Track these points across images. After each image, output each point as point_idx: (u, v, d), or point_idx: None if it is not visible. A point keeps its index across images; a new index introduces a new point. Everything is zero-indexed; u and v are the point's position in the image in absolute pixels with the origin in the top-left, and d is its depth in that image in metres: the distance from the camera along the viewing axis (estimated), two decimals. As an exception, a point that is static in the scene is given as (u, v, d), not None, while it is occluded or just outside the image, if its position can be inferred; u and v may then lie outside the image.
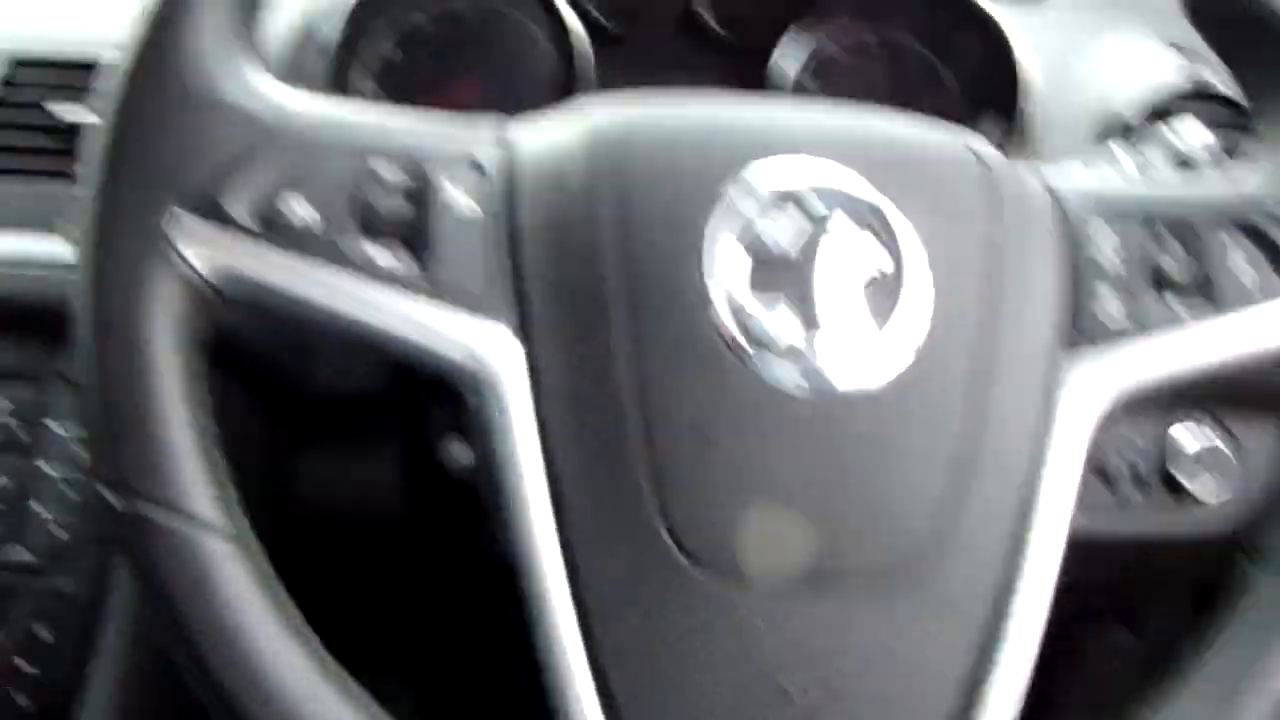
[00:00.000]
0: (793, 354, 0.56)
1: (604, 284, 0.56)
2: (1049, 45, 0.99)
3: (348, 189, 0.57)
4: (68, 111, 0.90)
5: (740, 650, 0.55)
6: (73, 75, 0.92)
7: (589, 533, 0.56)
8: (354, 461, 0.90)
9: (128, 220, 0.55)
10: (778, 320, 0.56)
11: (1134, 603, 1.10)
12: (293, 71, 0.92)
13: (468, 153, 0.59)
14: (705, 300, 0.56)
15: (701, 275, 0.56)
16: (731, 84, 0.99)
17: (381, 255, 0.57)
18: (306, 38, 0.93)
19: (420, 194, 0.57)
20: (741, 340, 0.56)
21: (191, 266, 0.55)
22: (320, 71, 0.91)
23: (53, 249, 0.87)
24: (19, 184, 0.89)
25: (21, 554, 0.86)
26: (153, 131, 0.56)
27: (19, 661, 0.86)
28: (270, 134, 0.56)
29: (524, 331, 0.57)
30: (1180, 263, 0.62)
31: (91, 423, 0.55)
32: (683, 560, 0.55)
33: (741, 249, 0.57)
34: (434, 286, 0.57)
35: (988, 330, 0.58)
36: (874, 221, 0.58)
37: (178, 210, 0.55)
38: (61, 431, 0.87)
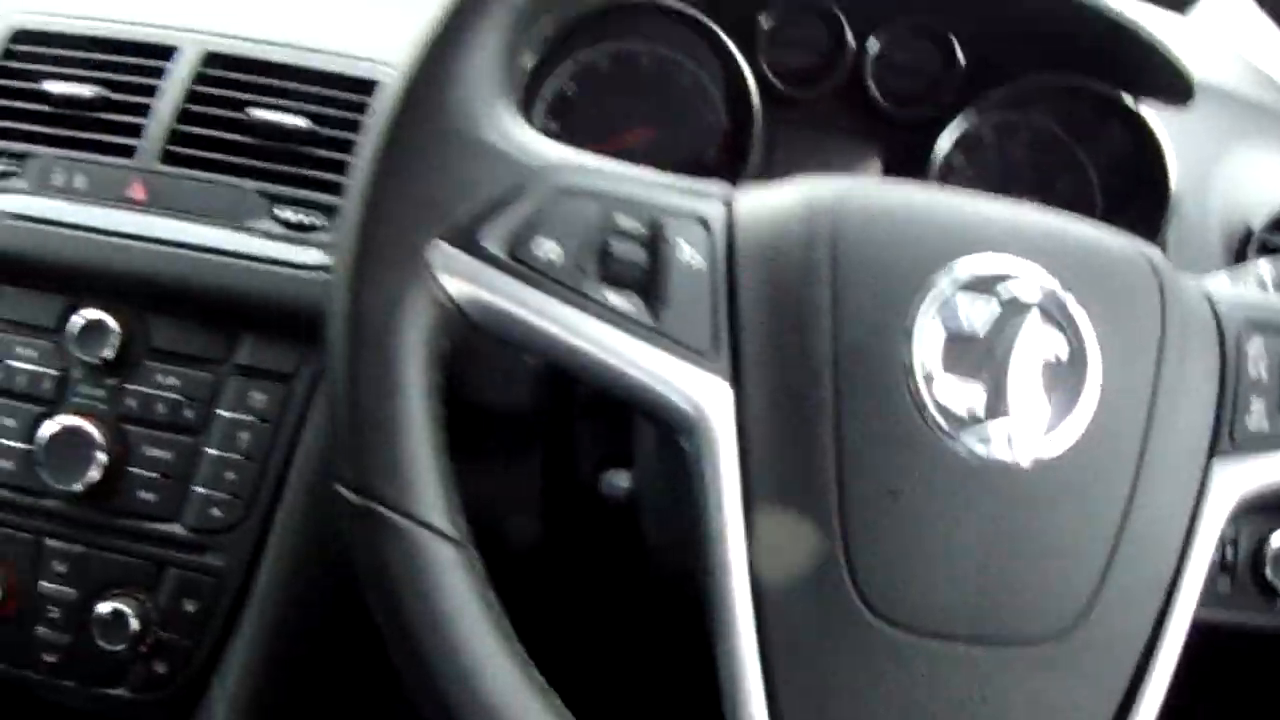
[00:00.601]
0: (976, 425, 0.61)
1: (814, 346, 0.61)
2: (1190, 150, 1.03)
3: (592, 234, 0.61)
4: (261, 112, 0.94)
5: (906, 699, 0.60)
6: (262, 75, 0.96)
7: (780, 578, 0.60)
8: (497, 475, 0.94)
9: (393, 245, 0.59)
10: (967, 395, 0.61)
11: (1207, 692, 1.14)
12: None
13: (697, 210, 0.63)
14: (907, 373, 0.61)
15: (907, 351, 0.61)
16: (886, 153, 1.03)
17: (618, 298, 0.61)
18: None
19: (655, 244, 0.62)
20: (934, 411, 0.60)
21: (446, 293, 0.60)
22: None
23: (237, 241, 0.91)
24: (209, 177, 0.93)
25: (177, 530, 0.91)
26: (422, 166, 0.60)
27: (163, 633, 0.91)
28: (527, 178, 0.61)
29: (737, 383, 0.61)
30: None
31: (339, 426, 0.60)
32: (864, 611, 0.60)
33: (942, 331, 0.61)
34: (662, 333, 0.61)
35: (1147, 423, 0.63)
36: (1058, 314, 0.63)
37: (439, 241, 0.60)
38: (229, 416, 0.91)
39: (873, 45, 1.00)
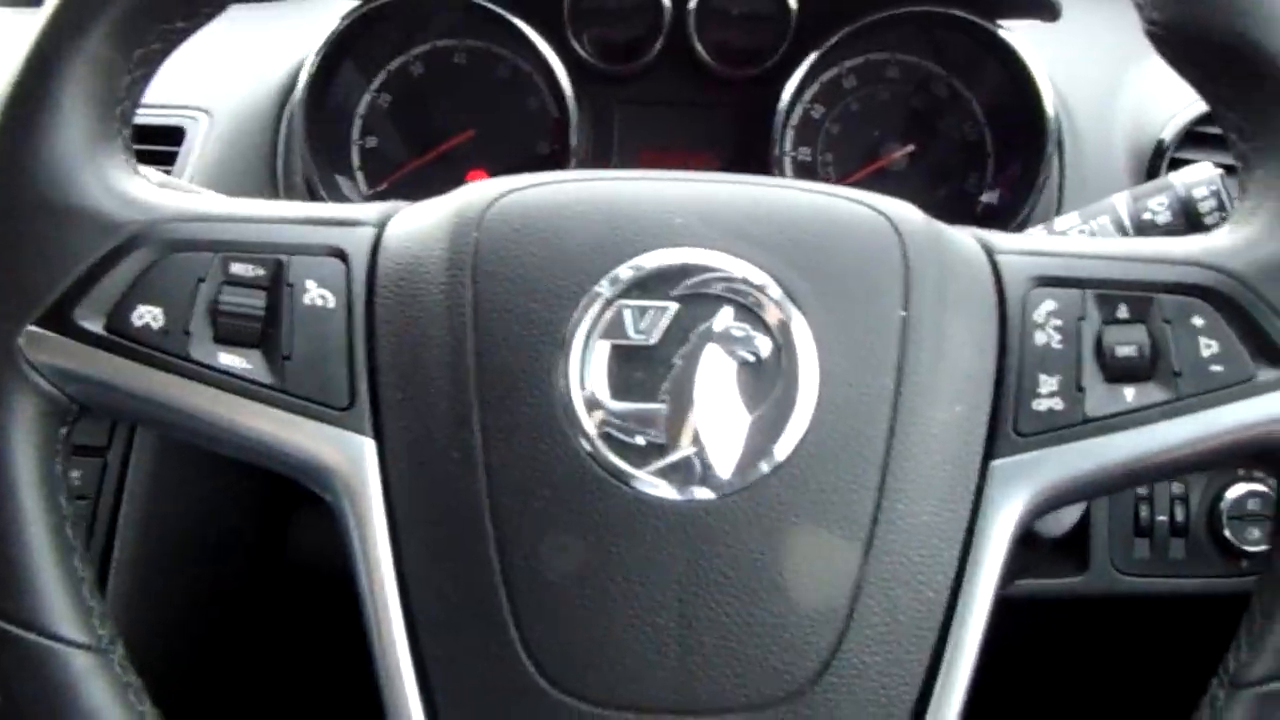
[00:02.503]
0: (658, 458, 0.51)
1: (458, 384, 0.52)
2: (1093, 61, 0.92)
3: (203, 291, 0.54)
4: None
5: None
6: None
7: (445, 651, 0.52)
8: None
9: None
10: (643, 423, 0.52)
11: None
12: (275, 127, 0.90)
13: (332, 242, 0.55)
14: (566, 405, 0.52)
15: (564, 378, 0.52)
16: (738, 119, 0.93)
17: (231, 358, 0.54)
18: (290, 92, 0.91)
19: (275, 289, 0.54)
20: (602, 447, 0.51)
21: (48, 381, 0.53)
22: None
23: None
24: None
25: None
26: (5, 244, 0.54)
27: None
28: (129, 239, 0.54)
29: (377, 434, 0.53)
30: (1134, 341, 0.54)
31: None
32: (544, 684, 0.51)
33: (608, 349, 0.52)
34: (285, 391, 0.54)
35: (890, 425, 0.52)
36: (755, 305, 0.53)
37: (33, 328, 0.53)
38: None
39: (692, 1, 0.90)
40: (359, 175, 0.93)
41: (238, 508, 0.86)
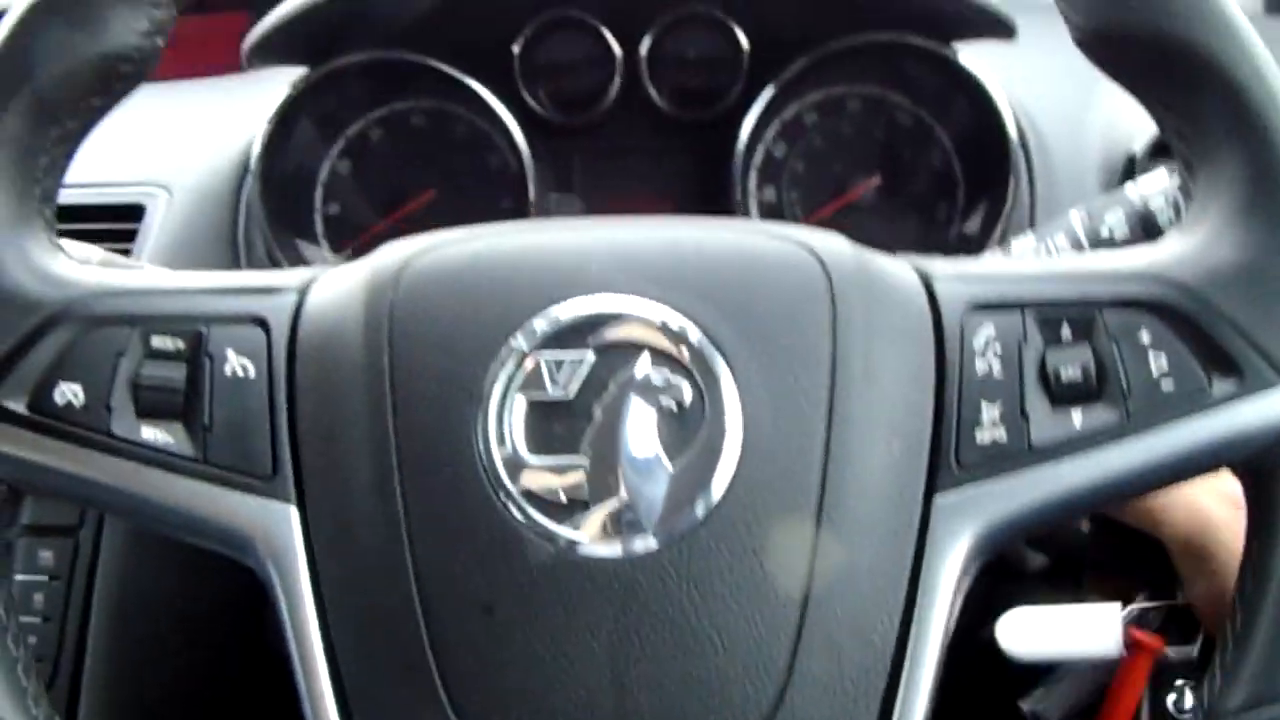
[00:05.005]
0: (580, 513, 0.50)
1: (376, 450, 0.51)
2: (1052, 86, 0.90)
3: (124, 366, 0.53)
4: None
5: None
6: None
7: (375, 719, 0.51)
8: None
9: None
10: (565, 479, 0.50)
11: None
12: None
13: (252, 311, 0.55)
14: (486, 464, 0.50)
15: (481, 437, 0.50)
16: (693, 159, 0.92)
17: (154, 432, 0.53)
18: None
19: (195, 361, 0.54)
20: (523, 504, 0.50)
21: None
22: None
23: None
24: None
25: None
26: None
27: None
28: (50, 317, 0.53)
29: (301, 502, 0.52)
30: (1078, 362, 0.52)
31: None
32: None
33: (526, 405, 0.51)
34: (209, 462, 0.53)
35: (823, 466, 0.50)
36: (676, 351, 0.51)
37: None
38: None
39: (644, 48, 0.89)
40: (324, 242, 0.92)
41: (214, 587, 0.85)
